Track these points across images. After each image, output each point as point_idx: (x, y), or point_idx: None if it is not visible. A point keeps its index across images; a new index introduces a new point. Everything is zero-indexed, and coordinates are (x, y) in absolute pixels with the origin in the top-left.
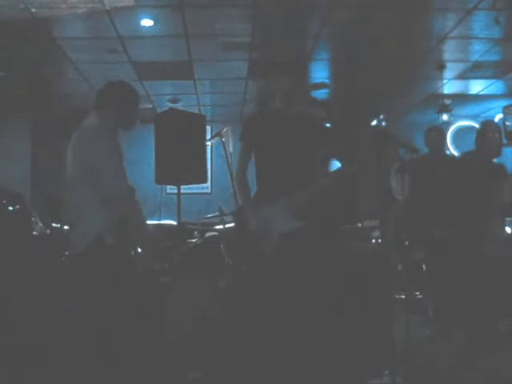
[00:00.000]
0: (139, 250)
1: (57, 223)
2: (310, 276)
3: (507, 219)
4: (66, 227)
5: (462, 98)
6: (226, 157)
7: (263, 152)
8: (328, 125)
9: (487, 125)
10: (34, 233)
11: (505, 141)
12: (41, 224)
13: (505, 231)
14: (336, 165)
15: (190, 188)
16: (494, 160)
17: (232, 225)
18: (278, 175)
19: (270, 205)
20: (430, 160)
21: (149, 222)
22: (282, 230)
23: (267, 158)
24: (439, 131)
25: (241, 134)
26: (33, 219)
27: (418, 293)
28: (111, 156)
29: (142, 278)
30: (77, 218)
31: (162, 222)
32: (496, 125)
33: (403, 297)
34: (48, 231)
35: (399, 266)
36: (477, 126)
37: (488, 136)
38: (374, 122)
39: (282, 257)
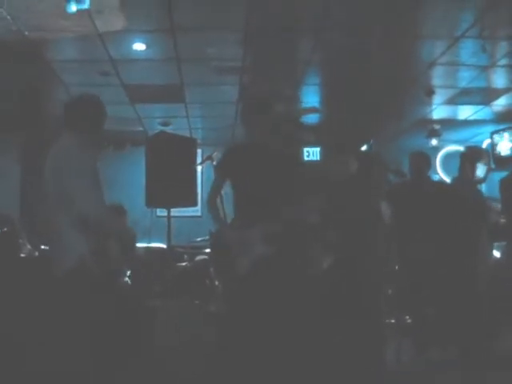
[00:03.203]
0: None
1: (46, 245)
2: (285, 298)
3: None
4: None
5: (451, 124)
6: None
7: (240, 183)
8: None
9: (469, 151)
10: (22, 255)
11: (493, 166)
12: (29, 246)
13: (493, 255)
14: None
15: (180, 211)
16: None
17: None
18: (254, 205)
19: (246, 230)
20: (411, 185)
21: (139, 244)
22: (256, 254)
23: (244, 188)
24: (422, 156)
25: (217, 164)
26: (20, 241)
27: (407, 317)
28: (82, 178)
29: (127, 300)
30: (58, 240)
31: (152, 245)
32: (479, 151)
33: (393, 321)
34: (36, 253)
35: (389, 291)
36: None
37: (469, 162)
38: (364, 147)
39: (257, 279)
